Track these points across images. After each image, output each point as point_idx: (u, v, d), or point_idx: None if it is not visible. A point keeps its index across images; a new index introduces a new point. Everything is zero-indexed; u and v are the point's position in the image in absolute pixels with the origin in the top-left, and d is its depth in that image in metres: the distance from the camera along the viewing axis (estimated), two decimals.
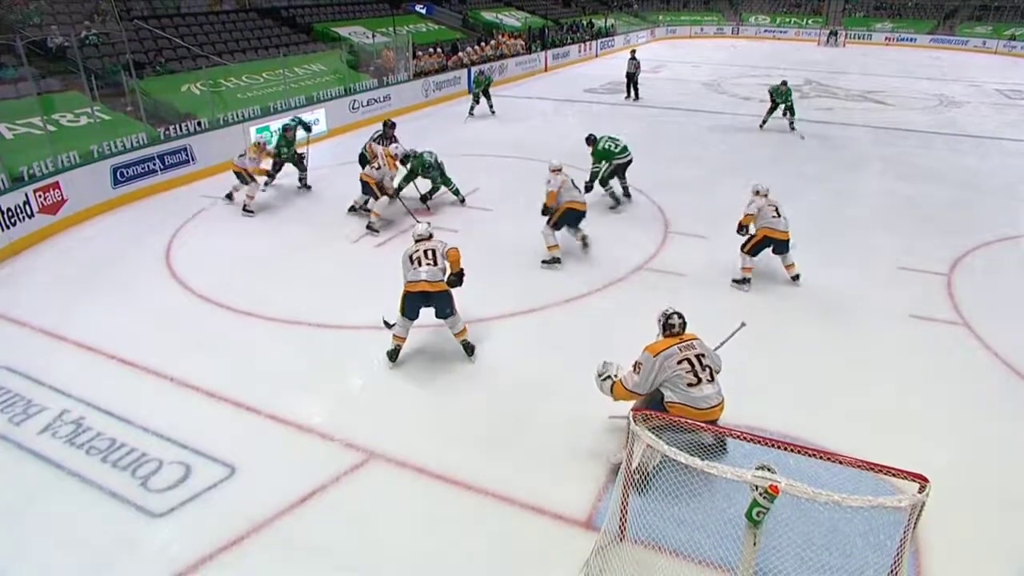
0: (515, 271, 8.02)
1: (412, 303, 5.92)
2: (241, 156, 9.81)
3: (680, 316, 4.73)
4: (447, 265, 6.00)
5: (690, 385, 4.47)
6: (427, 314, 6.00)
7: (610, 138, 9.83)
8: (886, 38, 38.87)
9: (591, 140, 9.81)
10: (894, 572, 3.50)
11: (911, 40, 37.99)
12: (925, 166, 12.86)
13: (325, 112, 14.54)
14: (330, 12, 21.67)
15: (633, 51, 21.17)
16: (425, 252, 5.98)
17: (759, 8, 42.78)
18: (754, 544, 3.34)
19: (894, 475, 3.38)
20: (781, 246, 7.50)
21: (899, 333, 6.71)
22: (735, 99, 19.97)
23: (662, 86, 21.49)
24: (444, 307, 5.98)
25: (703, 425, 4.14)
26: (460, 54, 20.52)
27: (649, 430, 3.71)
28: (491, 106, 16.98)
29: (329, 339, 6.57)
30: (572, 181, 8.10)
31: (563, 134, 14.59)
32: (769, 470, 3.23)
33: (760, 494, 3.17)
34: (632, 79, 19.18)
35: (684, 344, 4.60)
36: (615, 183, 10.11)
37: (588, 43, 29.14)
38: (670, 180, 11.49)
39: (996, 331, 6.71)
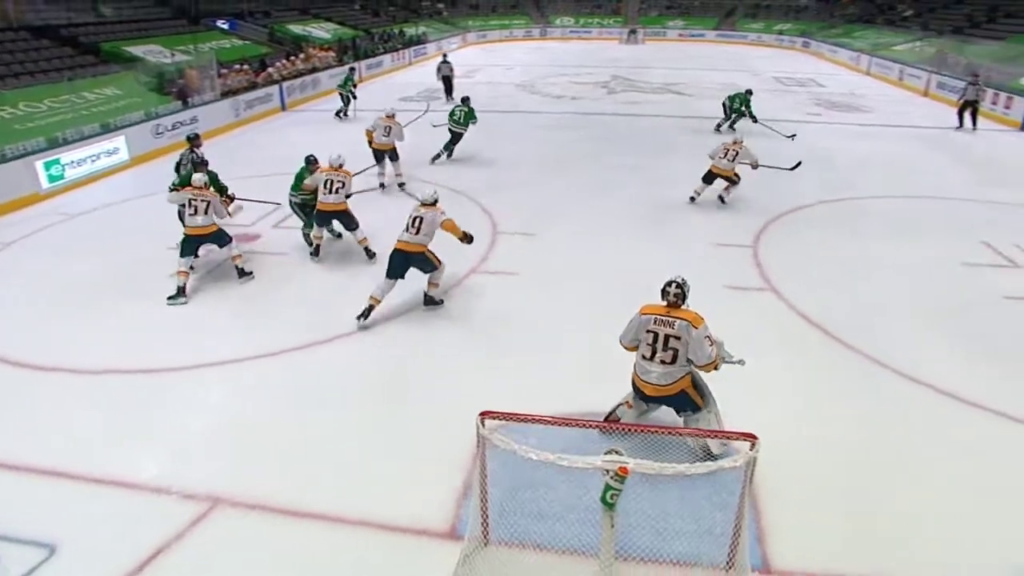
0: (356, 289, 7.74)
1: (391, 261, 6.86)
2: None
3: (679, 287, 4.63)
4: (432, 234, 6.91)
5: (643, 356, 4.66)
6: (259, 345, 5.65)
7: None
8: (679, 34, 42.23)
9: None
10: (737, 524, 3.75)
11: (700, 36, 41.53)
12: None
13: (125, 140, 13.25)
14: (119, 30, 19.69)
15: (444, 55, 21.40)
16: (414, 220, 6.87)
17: (563, 10, 44.80)
18: (612, 526, 3.44)
19: (728, 437, 3.62)
20: None
21: (716, 303, 7.22)
22: (548, 98, 20.74)
23: (478, 90, 21.82)
24: (423, 266, 6.96)
25: (551, 420, 4.20)
26: (270, 69, 19.65)
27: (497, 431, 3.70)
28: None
29: (149, 386, 5.97)
30: (330, 183, 8.20)
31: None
32: (617, 453, 3.33)
33: (611, 477, 3.26)
34: (448, 82, 19.50)
35: (664, 319, 4.58)
36: None
37: (401, 52, 29.03)
38: (493, 181, 11.68)
39: (797, 293, 7.45)
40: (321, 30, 28.69)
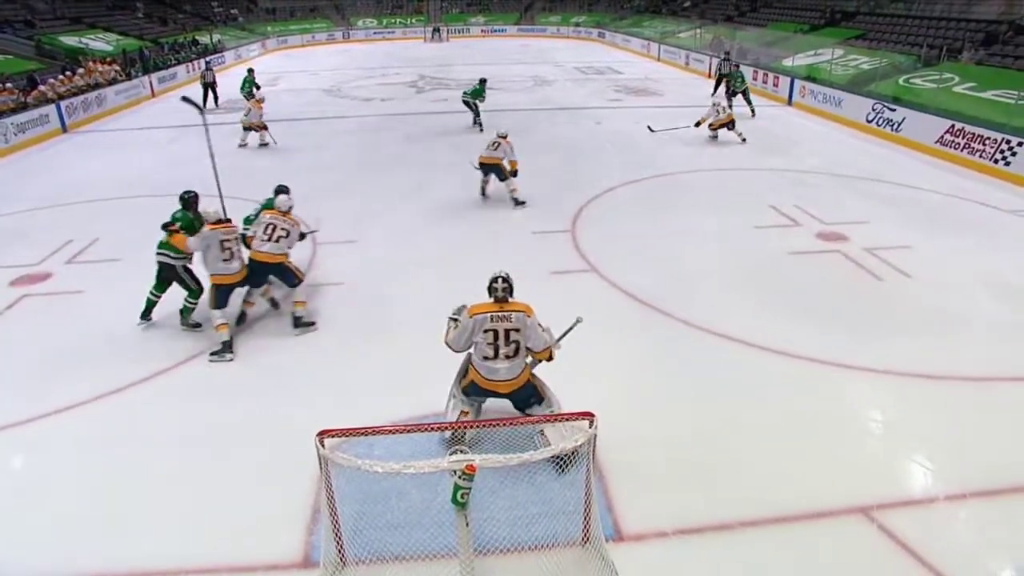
0: (165, 320, 7.10)
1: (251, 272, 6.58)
2: None
3: (505, 281, 4.62)
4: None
5: (485, 358, 4.60)
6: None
7: None
8: (481, 30, 43.06)
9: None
10: (587, 500, 3.90)
11: (502, 31, 42.60)
12: (535, 140, 14.49)
13: None
14: None
15: (207, 61, 21.28)
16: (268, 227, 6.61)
17: (365, 12, 44.06)
18: (467, 524, 3.43)
19: (566, 419, 3.73)
20: None
21: (543, 289, 7.44)
22: (357, 101, 20.32)
23: (282, 98, 20.89)
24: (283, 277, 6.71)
25: (391, 428, 4.12)
26: (42, 87, 17.50)
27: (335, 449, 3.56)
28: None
29: None
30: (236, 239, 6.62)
31: (187, 162, 13.35)
32: (462, 452, 3.32)
33: (459, 477, 3.25)
34: (210, 89, 19.61)
35: (500, 315, 4.56)
36: None
37: (195, 61, 27.09)
38: (307, 190, 11.22)
39: (615, 270, 7.87)
40: (100, 41, 26.03)
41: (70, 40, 24.76)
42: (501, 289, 4.65)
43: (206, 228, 6.42)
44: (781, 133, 15.18)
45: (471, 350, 4.73)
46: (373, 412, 4.93)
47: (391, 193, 11.11)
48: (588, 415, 3.64)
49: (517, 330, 4.61)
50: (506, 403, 4.86)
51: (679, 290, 7.42)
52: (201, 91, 19.43)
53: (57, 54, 22.98)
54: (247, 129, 14.67)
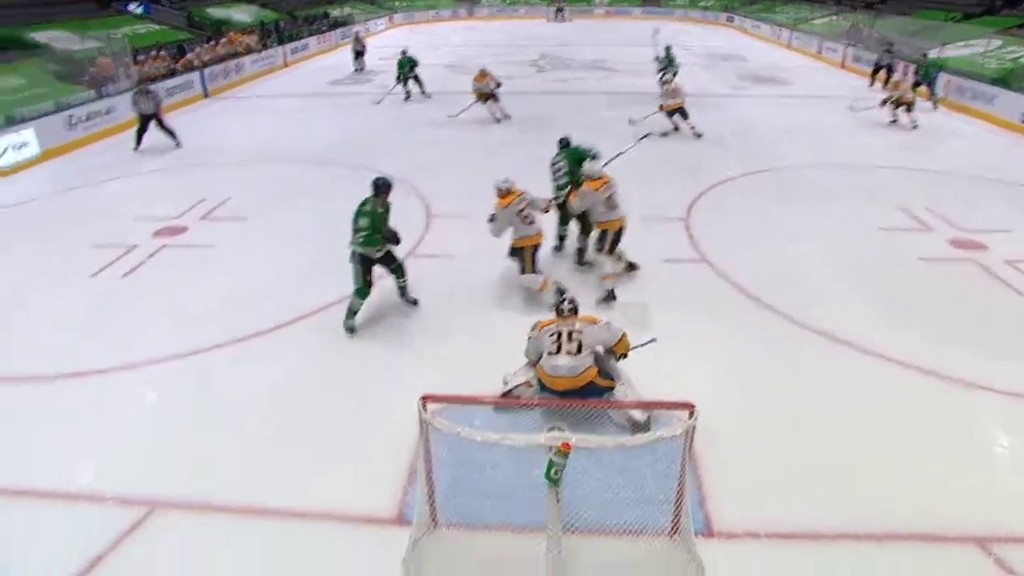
0: (285, 280, 7.54)
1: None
2: None
3: (571, 303, 5.06)
4: None
5: (550, 353, 4.90)
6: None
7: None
8: (606, 11, 42.38)
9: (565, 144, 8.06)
10: (679, 491, 3.85)
11: (627, 13, 41.77)
12: (652, 123, 14.20)
13: (35, 132, 12.49)
14: (18, 15, 18.26)
15: (356, 32, 23.37)
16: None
17: None
18: (557, 501, 3.47)
19: (667, 408, 3.69)
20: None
21: (653, 276, 7.38)
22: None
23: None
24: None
25: (492, 400, 4.22)
26: (189, 56, 18.84)
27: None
28: (423, 90, 17.25)
29: (76, 389, 5.70)
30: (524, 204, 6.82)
31: (316, 132, 14.05)
32: (559, 429, 3.36)
33: (554, 454, 3.28)
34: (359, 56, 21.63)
35: (564, 323, 4.98)
36: None
37: (327, 34, 28.26)
38: (425, 164, 11.54)
39: (728, 263, 7.64)
40: (242, 13, 27.62)
41: (216, 12, 26.43)
42: (567, 310, 5.04)
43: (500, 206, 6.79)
44: (921, 130, 14.13)
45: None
46: (475, 386, 5.06)
47: (508, 171, 11.15)
48: (688, 406, 3.59)
49: (580, 332, 4.92)
50: None
51: (793, 288, 7.11)
52: (352, 56, 21.87)
53: (204, 25, 24.58)
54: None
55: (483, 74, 14.57)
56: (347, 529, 4.22)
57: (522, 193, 6.87)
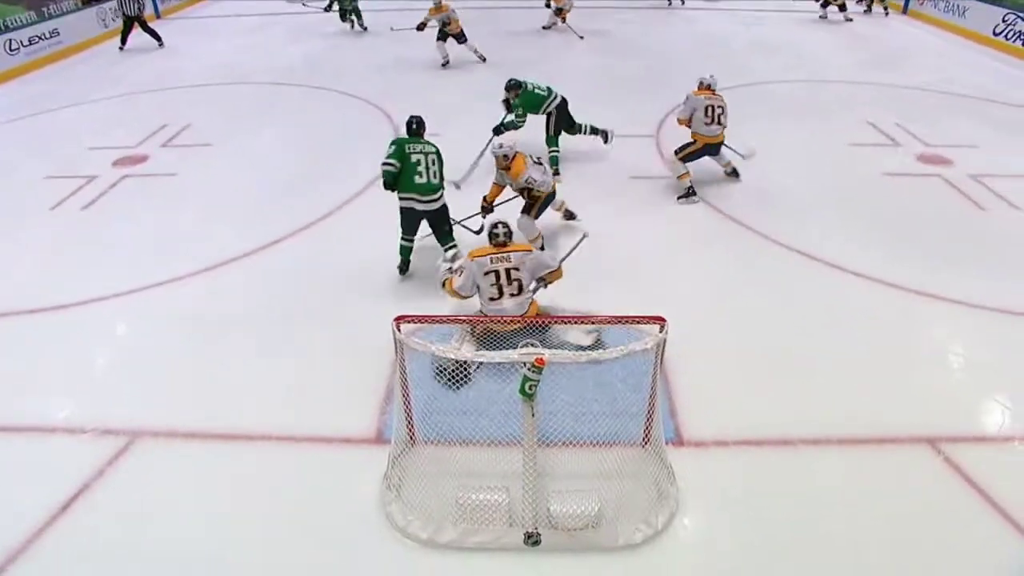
0: (247, 205, 7.39)
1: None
2: None
3: (505, 226, 4.83)
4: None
5: (491, 299, 4.67)
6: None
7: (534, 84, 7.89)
8: None
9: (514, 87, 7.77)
10: (651, 404, 3.96)
11: None
12: (621, 40, 13.90)
13: None
14: None
15: None
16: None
17: None
18: (532, 415, 3.54)
19: (638, 322, 3.75)
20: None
21: (621, 193, 7.39)
22: None
23: None
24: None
25: (465, 319, 4.24)
26: None
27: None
28: (360, 21, 14.99)
29: (48, 324, 5.61)
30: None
31: (275, 51, 13.51)
32: (533, 345, 3.40)
33: (528, 369, 3.34)
34: None
35: (499, 256, 4.71)
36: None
37: None
38: (394, 87, 11.22)
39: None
40: None
41: None
42: (503, 235, 4.80)
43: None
44: (890, 44, 14.00)
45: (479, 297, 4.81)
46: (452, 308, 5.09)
47: (469, 92, 10.91)
48: (659, 320, 3.65)
49: (517, 268, 4.70)
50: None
51: (763, 205, 7.16)
52: None
53: None
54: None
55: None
56: (327, 450, 4.29)
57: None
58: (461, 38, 12.15)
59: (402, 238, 5.89)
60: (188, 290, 5.97)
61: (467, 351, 4.51)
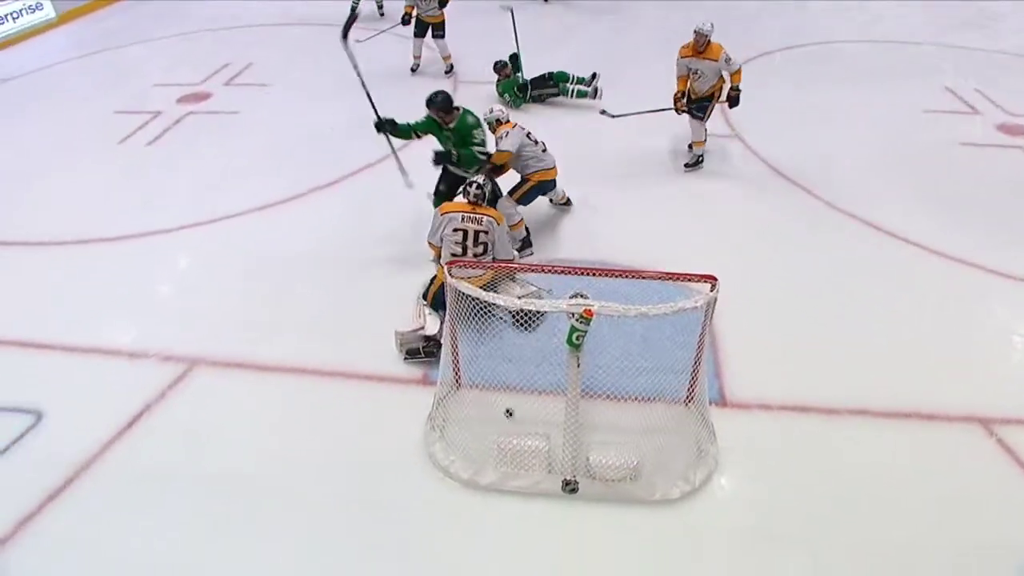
0: (307, 145, 7.49)
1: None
2: None
3: (480, 187, 4.69)
4: None
5: (453, 255, 4.57)
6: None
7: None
8: None
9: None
10: (696, 362, 3.95)
11: None
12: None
13: None
14: None
15: None
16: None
17: None
18: (578, 366, 3.57)
19: (689, 280, 3.72)
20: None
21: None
22: None
23: None
24: None
25: (520, 265, 4.27)
26: None
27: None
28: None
29: (116, 252, 5.87)
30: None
31: None
32: (582, 296, 3.41)
33: (576, 319, 3.35)
34: None
35: (472, 216, 4.61)
36: None
37: None
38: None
39: (761, 139, 7.45)
40: None
41: None
42: (474, 194, 4.67)
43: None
44: (977, 2, 13.16)
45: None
46: None
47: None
48: (711, 278, 3.60)
49: (486, 232, 4.60)
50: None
51: (826, 168, 6.93)
52: None
53: None
54: None
55: None
56: (376, 388, 4.44)
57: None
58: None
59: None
60: (248, 226, 6.14)
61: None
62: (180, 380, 4.52)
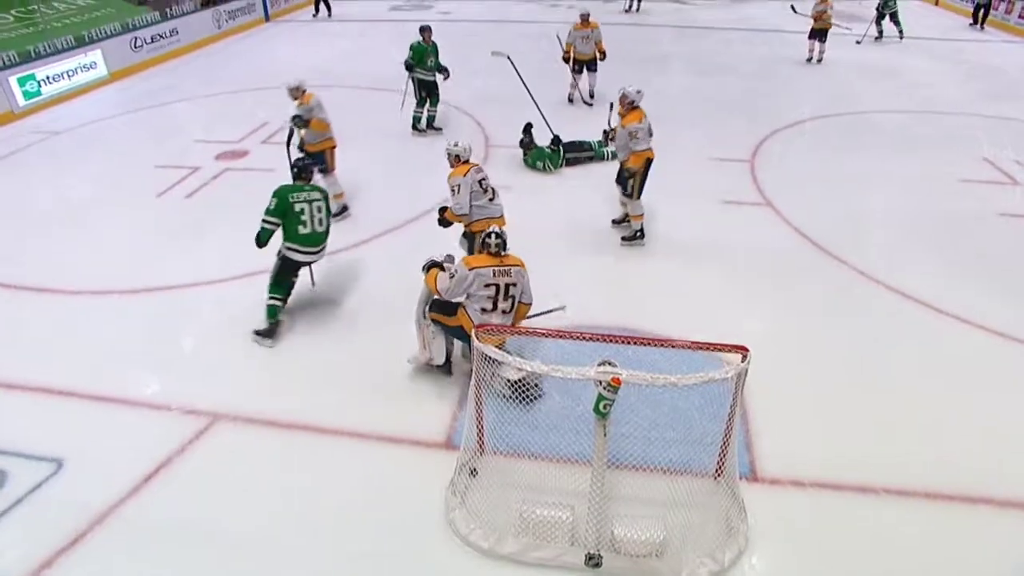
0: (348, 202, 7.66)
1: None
2: None
3: (499, 236, 4.65)
4: None
5: (483, 310, 4.57)
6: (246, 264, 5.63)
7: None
8: None
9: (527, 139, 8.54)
10: (727, 435, 3.87)
11: None
12: (722, 62, 13.69)
13: (103, 53, 12.77)
14: None
15: None
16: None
17: None
18: (604, 435, 3.53)
19: (719, 349, 3.68)
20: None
21: (713, 217, 7.26)
22: (542, 6, 19.97)
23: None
24: None
25: (544, 332, 4.26)
26: None
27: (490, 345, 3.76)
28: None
29: (145, 304, 6.01)
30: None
31: (375, 58, 13.98)
32: (610, 364, 3.39)
33: (604, 388, 3.33)
34: None
35: (501, 269, 4.57)
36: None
37: None
38: (484, 94, 11.40)
39: (792, 207, 7.45)
40: None
41: None
42: (495, 245, 4.61)
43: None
44: (1016, 75, 13.22)
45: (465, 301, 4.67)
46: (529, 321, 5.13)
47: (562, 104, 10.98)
48: (742, 349, 3.58)
49: (515, 284, 4.60)
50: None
51: (859, 237, 6.91)
52: None
53: None
54: None
55: None
56: (397, 451, 4.42)
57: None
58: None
59: (270, 296, 5.50)
60: None
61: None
62: (202, 434, 4.55)
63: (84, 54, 12.39)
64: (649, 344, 3.87)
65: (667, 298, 5.89)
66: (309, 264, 5.76)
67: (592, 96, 11.15)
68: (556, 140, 8.68)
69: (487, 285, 4.54)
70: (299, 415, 4.68)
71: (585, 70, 10.98)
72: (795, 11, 14.05)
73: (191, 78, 12.91)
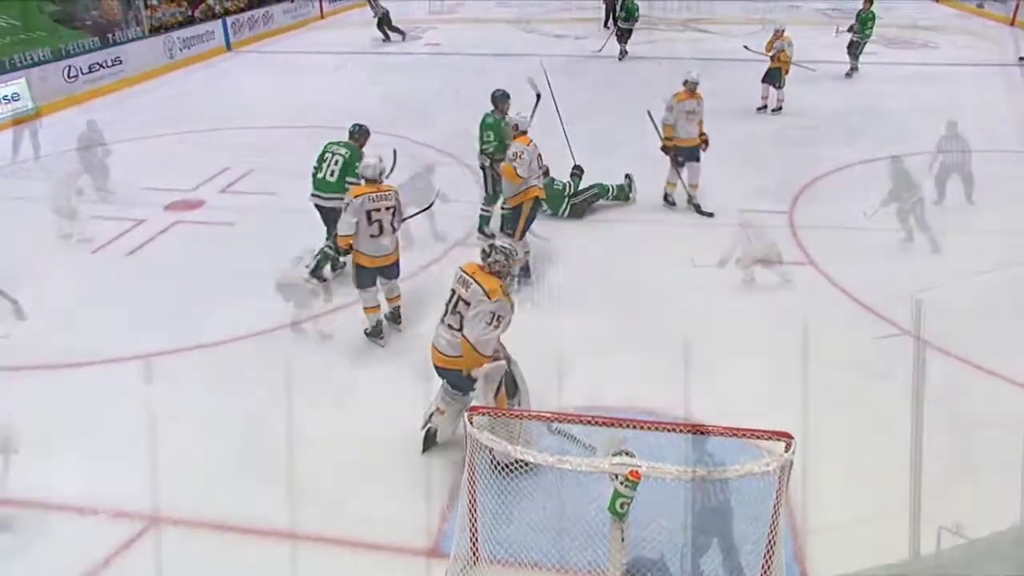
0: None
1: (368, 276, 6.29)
2: None
3: (488, 255, 4.79)
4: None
5: (441, 318, 4.82)
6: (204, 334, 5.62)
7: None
8: None
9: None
10: (771, 540, 3.80)
11: None
12: (754, 100, 14.02)
13: (27, 82, 12.99)
14: None
15: None
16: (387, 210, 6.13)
17: None
18: (622, 539, 3.50)
19: (758, 437, 3.67)
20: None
21: (751, 281, 7.31)
22: (547, 38, 20.56)
23: (458, 28, 21.56)
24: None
25: (555, 415, 4.27)
26: (209, 1, 19.44)
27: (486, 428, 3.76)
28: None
29: (67, 383, 5.98)
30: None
31: (354, 94, 14.33)
32: (628, 454, 3.38)
33: (621, 483, 3.31)
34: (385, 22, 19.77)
35: (466, 279, 4.73)
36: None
37: None
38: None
39: (840, 267, 7.55)
40: None
41: None
42: (487, 260, 4.75)
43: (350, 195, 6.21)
44: None
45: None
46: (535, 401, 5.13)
47: (576, 144, 11.14)
48: (785, 435, 3.56)
49: (467, 303, 4.63)
50: None
51: (921, 302, 6.94)
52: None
53: None
54: None
55: None
56: (375, 559, 4.36)
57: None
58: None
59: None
60: (234, 355, 6.27)
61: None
62: (134, 542, 4.48)
63: (4, 83, 12.55)
64: (673, 430, 3.86)
65: (697, 369, 5.86)
66: (320, 210, 7.24)
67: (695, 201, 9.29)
68: (578, 169, 9.09)
69: (451, 287, 4.81)
70: (257, 518, 4.61)
71: (686, 161, 9.07)
72: (748, 48, 14.34)
73: (138, 114, 13.20)
